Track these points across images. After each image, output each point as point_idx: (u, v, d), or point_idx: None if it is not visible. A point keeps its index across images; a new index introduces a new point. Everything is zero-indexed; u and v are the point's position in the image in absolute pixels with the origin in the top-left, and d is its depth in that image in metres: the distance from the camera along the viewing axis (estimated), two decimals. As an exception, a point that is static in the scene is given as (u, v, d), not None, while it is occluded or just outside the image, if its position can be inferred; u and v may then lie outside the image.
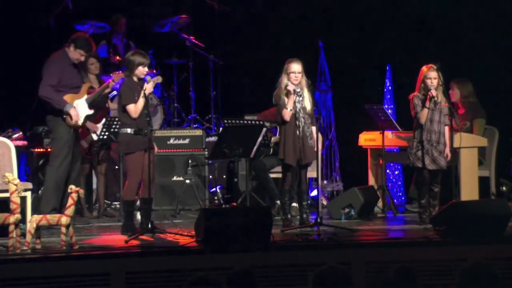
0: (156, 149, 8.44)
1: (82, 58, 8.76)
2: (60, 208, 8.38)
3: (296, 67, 8.50)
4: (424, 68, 8.70)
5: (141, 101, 8.05)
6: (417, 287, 4.65)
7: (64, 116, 8.56)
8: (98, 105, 9.46)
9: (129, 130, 8.11)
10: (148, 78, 8.18)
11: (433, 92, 8.57)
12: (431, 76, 8.62)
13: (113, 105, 10.10)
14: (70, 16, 10.82)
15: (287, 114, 8.47)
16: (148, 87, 8.12)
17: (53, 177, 8.57)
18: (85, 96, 8.74)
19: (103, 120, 9.45)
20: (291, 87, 8.45)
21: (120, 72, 9.38)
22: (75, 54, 8.64)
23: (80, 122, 8.65)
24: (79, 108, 8.65)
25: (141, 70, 8.17)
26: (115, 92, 10.55)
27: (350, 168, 11.18)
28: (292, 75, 8.49)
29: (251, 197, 9.29)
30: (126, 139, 8.14)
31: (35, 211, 8.11)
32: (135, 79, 8.19)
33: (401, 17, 11.34)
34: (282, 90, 8.52)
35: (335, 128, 11.44)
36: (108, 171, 9.81)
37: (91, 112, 8.81)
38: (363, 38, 11.38)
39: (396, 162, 11.09)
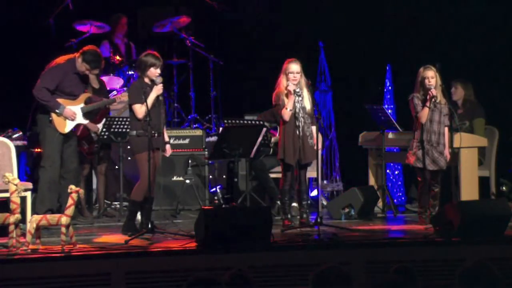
0: (169, 151, 8.41)
1: (87, 72, 8.74)
2: (59, 208, 8.39)
3: (294, 67, 8.49)
4: (421, 68, 8.73)
5: (148, 103, 8.00)
6: (417, 287, 4.65)
7: (50, 119, 8.55)
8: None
9: (134, 133, 8.11)
10: (156, 80, 8.14)
11: (434, 92, 8.57)
12: (428, 75, 8.64)
13: (113, 106, 10.09)
14: (70, 16, 10.81)
15: (286, 114, 8.46)
16: (160, 89, 8.10)
17: (45, 178, 8.58)
18: (82, 105, 8.73)
19: (103, 120, 9.44)
20: (291, 87, 8.44)
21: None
22: (81, 66, 8.64)
23: (74, 122, 8.65)
24: None
25: (153, 72, 8.14)
26: (115, 93, 10.54)
27: (350, 168, 11.18)
28: (290, 75, 8.47)
29: (251, 197, 9.29)
30: (133, 140, 8.16)
31: (35, 211, 8.12)
32: (146, 80, 8.18)
33: (401, 17, 11.33)
34: (281, 90, 8.52)
35: (335, 128, 11.43)
36: (108, 171, 9.80)
37: (85, 121, 8.81)
38: (363, 38, 11.38)
39: (396, 162, 11.08)
